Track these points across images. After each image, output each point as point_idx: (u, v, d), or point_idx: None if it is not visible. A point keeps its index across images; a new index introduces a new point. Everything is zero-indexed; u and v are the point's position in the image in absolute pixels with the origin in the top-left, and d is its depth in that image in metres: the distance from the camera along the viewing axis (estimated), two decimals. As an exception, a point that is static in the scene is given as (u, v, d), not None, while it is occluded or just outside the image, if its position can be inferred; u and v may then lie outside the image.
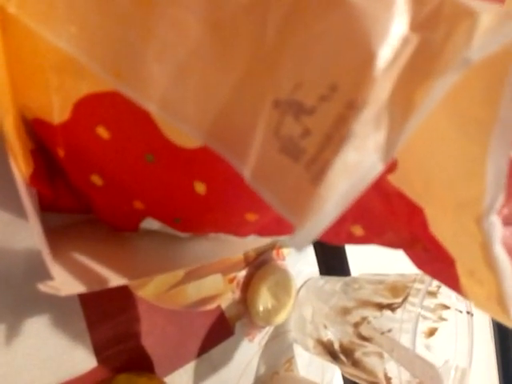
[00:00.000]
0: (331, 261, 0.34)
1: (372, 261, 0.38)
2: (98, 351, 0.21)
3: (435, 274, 0.16)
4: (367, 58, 0.09)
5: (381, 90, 0.09)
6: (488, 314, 0.14)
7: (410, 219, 0.15)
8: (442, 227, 0.13)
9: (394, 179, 0.14)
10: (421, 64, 0.09)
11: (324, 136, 0.10)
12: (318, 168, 0.10)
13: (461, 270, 0.14)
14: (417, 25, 0.09)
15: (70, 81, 0.13)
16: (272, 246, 0.30)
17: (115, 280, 0.15)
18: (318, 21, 0.09)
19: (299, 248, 0.10)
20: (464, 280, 0.14)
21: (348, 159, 0.09)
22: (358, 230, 0.16)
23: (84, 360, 0.20)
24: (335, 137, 0.09)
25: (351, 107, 0.09)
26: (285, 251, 0.31)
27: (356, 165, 0.10)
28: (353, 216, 0.15)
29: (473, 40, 0.08)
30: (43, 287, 0.14)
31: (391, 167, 0.14)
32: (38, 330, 0.19)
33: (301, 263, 0.32)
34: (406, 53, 0.09)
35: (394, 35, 0.09)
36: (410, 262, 0.17)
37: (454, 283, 0.15)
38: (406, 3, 0.09)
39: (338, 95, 0.09)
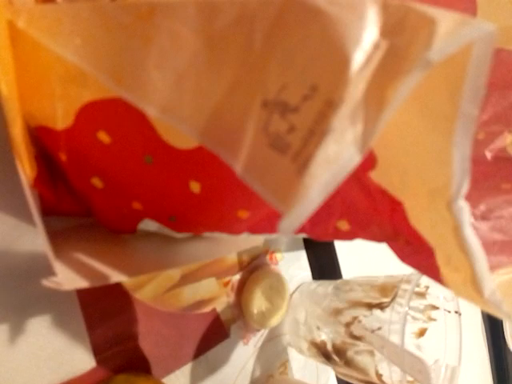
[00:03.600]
0: (323, 265, 0.35)
1: (362, 265, 0.39)
2: (97, 352, 0.21)
3: (418, 266, 0.17)
4: (343, 61, 0.10)
5: (355, 89, 0.10)
6: (467, 300, 0.15)
7: (392, 214, 0.16)
8: (420, 218, 0.14)
9: (375, 176, 0.15)
10: (390, 65, 0.10)
11: (307, 131, 0.11)
12: (302, 160, 0.11)
13: (440, 259, 0.15)
14: (385, 32, 0.10)
15: (74, 89, 0.14)
16: (265, 251, 0.31)
17: (115, 276, 0.16)
18: (299, 29, 0.11)
19: (287, 232, 0.11)
20: (443, 269, 0.16)
21: (329, 151, 0.11)
22: (344, 225, 0.17)
23: (83, 360, 0.21)
24: (317, 131, 0.11)
25: (330, 105, 0.10)
26: (278, 256, 0.32)
27: (336, 156, 0.11)
28: (339, 211, 0.17)
29: (433, 43, 0.09)
30: (46, 282, 0.14)
31: (372, 164, 0.15)
32: (38, 331, 0.19)
33: (294, 268, 0.33)
34: (377, 56, 0.10)
35: (366, 41, 0.10)
36: (396, 259, 0.18)
37: (435, 274, 0.16)
38: (376, 13, 0.10)
39: (318, 94, 0.10)
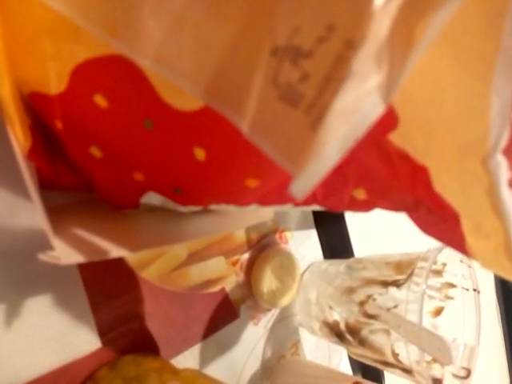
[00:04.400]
0: (335, 244, 0.34)
1: (375, 244, 0.38)
2: (102, 332, 0.21)
3: (440, 236, 0.16)
4: (364, -7, 0.09)
5: (380, 26, 0.09)
6: (496, 271, 0.13)
7: (414, 180, 0.15)
8: (446, 182, 0.13)
9: (395, 138, 0.14)
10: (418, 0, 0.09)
11: (323, 78, 0.09)
12: (317, 112, 0.10)
13: (466, 226, 0.14)
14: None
15: (65, 46, 0.13)
16: (275, 229, 0.30)
17: (115, 251, 0.15)
18: (313, -40, 0.09)
19: (299, 195, 0.10)
20: (470, 238, 0.14)
21: (347, 100, 0.09)
22: (360, 194, 0.16)
23: (88, 341, 0.20)
24: (334, 78, 0.09)
25: (350, 45, 0.09)
26: (288, 234, 0.31)
27: (356, 106, 0.09)
28: (355, 179, 0.15)
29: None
30: (43, 256, 0.14)
31: (392, 124, 0.13)
32: (41, 310, 0.19)
33: (304, 247, 0.32)
34: (404, -13, 0.09)
35: (390, -31, 0.09)
36: (409, 236, 0.17)
37: (459, 243, 0.15)
38: None
39: (336, 35, 0.09)
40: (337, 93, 0.09)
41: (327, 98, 0.09)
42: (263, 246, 0.29)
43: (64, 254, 0.14)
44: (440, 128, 0.12)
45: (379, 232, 0.38)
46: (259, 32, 0.10)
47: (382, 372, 0.37)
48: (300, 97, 0.10)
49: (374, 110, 0.09)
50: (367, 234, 0.37)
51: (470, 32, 0.09)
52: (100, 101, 0.14)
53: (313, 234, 0.33)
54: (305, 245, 0.32)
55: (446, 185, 0.13)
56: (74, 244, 0.15)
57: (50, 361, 0.19)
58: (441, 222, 0.15)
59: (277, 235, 0.30)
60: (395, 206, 0.16)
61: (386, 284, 0.25)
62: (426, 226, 0.16)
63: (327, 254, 0.34)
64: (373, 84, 0.09)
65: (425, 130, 0.12)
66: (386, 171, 0.15)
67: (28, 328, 0.18)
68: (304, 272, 0.32)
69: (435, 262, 0.28)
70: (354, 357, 0.29)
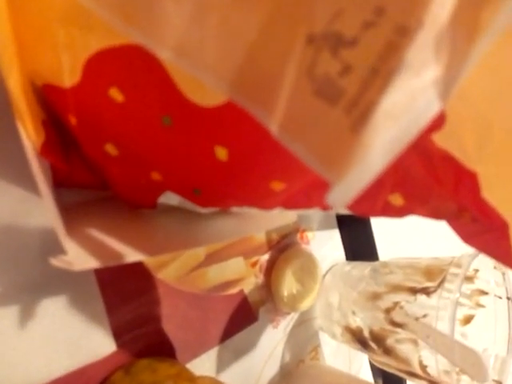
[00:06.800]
0: (358, 245, 0.32)
1: (401, 246, 0.36)
2: (118, 335, 0.20)
3: (484, 247, 0.14)
4: (423, -30, 0.07)
5: (440, 10, 0.07)
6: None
7: (458, 186, 0.13)
8: (498, 189, 0.12)
9: (440, 139, 0.12)
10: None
11: (369, 71, 0.08)
12: (360, 111, 0.08)
13: (517, 238, 0.12)
14: None
15: (79, 35, 0.12)
16: (296, 229, 0.29)
17: (132, 255, 0.14)
18: None
19: (338, 205, 0.09)
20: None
21: (398, 98, 0.08)
22: (397, 200, 0.14)
23: (103, 344, 0.19)
24: (383, 70, 0.08)
25: (403, 32, 0.08)
26: (309, 235, 0.30)
27: (408, 105, 0.08)
28: (392, 183, 0.14)
29: None
30: (55, 261, 0.13)
31: (438, 123, 0.12)
32: (55, 313, 0.18)
33: (326, 248, 0.31)
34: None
35: None
36: (438, 239, 0.16)
37: (505, 255, 0.14)
38: None
39: (385, 20, 0.08)
40: (385, 88, 0.08)
41: (373, 95, 0.08)
42: (284, 247, 0.27)
43: (77, 258, 0.13)
44: (500, 129, 0.10)
45: (405, 233, 0.36)
46: (293, 17, 0.09)
47: (405, 379, 0.35)
48: (340, 92, 0.09)
49: (429, 110, 0.08)
50: (392, 234, 0.35)
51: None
52: (115, 94, 0.13)
53: (335, 235, 0.32)
54: (327, 246, 0.31)
55: (497, 192, 0.12)
56: (88, 246, 0.14)
57: (64, 364, 0.18)
58: (485, 231, 0.14)
59: (298, 235, 0.29)
60: (435, 214, 0.14)
61: (414, 291, 0.24)
62: (469, 236, 0.15)
63: (350, 255, 0.32)
64: (429, 78, 0.08)
65: (479, 132, 0.11)
66: (426, 175, 0.14)
67: (42, 330, 0.18)
68: (326, 274, 0.31)
69: (468, 268, 0.26)
70: (377, 364, 0.28)
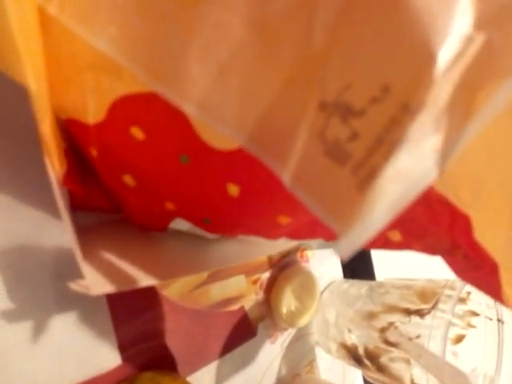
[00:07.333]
0: (356, 264, 0.33)
1: (398, 265, 0.37)
2: (123, 349, 0.21)
3: (475, 282, 0.15)
4: (427, 56, 0.08)
5: (441, 93, 0.08)
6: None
7: (452, 226, 0.14)
8: (490, 234, 0.13)
9: (437, 184, 0.13)
10: (484, 65, 0.08)
11: (374, 139, 0.09)
12: (365, 172, 0.09)
13: (505, 277, 0.13)
14: (481, 23, 0.08)
15: (106, 81, 0.13)
16: (296, 248, 0.30)
17: (145, 280, 0.15)
18: (370, 18, 0.09)
19: (344, 256, 0.10)
20: (507, 289, 0.14)
21: (400, 164, 0.09)
22: (395, 236, 0.15)
23: (108, 358, 0.20)
24: (386, 141, 0.09)
25: (406, 110, 0.09)
26: (309, 253, 0.31)
27: (409, 170, 0.09)
28: (391, 222, 0.15)
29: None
30: (74, 286, 0.14)
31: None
32: (65, 328, 0.19)
33: (325, 266, 0.32)
34: (469, 53, 0.08)
35: (456, 34, 0.08)
36: (433, 260, 0.17)
37: (494, 291, 0.15)
38: (470, 1, 0.08)
39: (391, 97, 0.09)
40: (389, 156, 0.09)
41: (377, 160, 0.09)
42: (284, 265, 0.28)
43: (94, 283, 0.14)
44: (491, 183, 0.11)
45: (402, 254, 0.37)
46: (308, 84, 0.10)
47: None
48: (347, 155, 0.10)
49: (428, 176, 0.09)
50: (389, 254, 0.36)
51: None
52: (137, 133, 0.14)
53: (334, 254, 0.33)
54: (326, 264, 0.32)
55: (488, 236, 0.13)
56: (103, 271, 0.15)
57: (71, 377, 0.19)
58: (477, 268, 0.15)
59: (298, 254, 0.30)
60: (431, 250, 0.15)
61: (409, 312, 0.25)
62: (460, 271, 0.16)
63: (347, 273, 0.33)
64: (428, 149, 0.09)
65: (473, 184, 0.12)
66: (423, 214, 0.15)
67: (53, 345, 0.18)
68: (323, 291, 0.31)
69: (462, 291, 0.28)
70: (371, 380, 0.29)
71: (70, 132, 0.15)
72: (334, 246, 0.10)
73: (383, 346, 0.26)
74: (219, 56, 0.10)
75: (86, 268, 0.15)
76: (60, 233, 0.18)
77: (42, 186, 0.18)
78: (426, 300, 0.25)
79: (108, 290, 0.14)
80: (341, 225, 0.10)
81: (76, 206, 0.17)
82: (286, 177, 0.11)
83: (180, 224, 0.18)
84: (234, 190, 0.14)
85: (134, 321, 0.21)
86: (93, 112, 0.14)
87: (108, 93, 0.13)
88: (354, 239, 0.10)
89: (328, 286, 0.32)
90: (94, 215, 0.19)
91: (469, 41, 0.08)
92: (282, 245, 0.22)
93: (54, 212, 0.18)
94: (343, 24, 0.09)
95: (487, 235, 0.13)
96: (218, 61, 0.10)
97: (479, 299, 0.29)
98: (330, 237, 0.17)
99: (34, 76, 0.11)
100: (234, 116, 0.11)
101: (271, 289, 0.27)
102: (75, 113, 0.14)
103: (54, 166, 0.14)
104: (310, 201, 0.10)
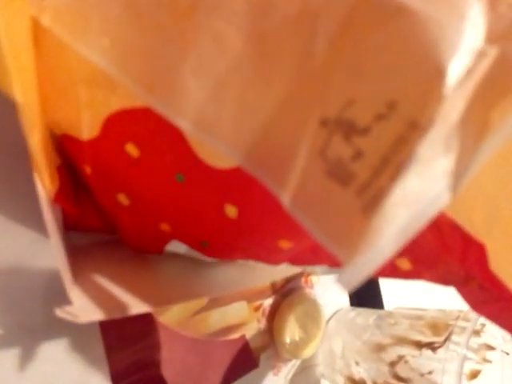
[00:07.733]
0: (363, 291, 0.32)
1: (407, 293, 0.35)
2: (116, 379, 0.20)
3: (494, 316, 0.14)
4: (435, 72, 0.08)
5: (451, 109, 0.08)
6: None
7: (465, 254, 0.13)
8: (508, 264, 0.12)
9: (449, 210, 0.13)
10: (498, 80, 0.08)
11: (380, 159, 0.08)
12: (371, 195, 0.09)
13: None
14: (493, 36, 0.08)
15: (100, 96, 0.12)
16: (300, 274, 0.28)
17: (137, 307, 0.14)
18: (375, 30, 0.08)
19: (348, 288, 0.09)
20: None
21: (409, 188, 0.08)
22: (404, 264, 0.14)
23: (100, 389, 0.19)
24: (393, 160, 0.08)
25: (414, 128, 0.08)
26: (314, 279, 0.29)
27: (418, 193, 0.08)
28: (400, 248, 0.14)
29: None
30: (61, 313, 0.13)
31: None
32: (55, 355, 0.18)
33: (330, 292, 0.30)
34: (482, 67, 0.08)
35: (467, 47, 0.08)
36: (444, 288, 0.16)
37: (513, 328, 0.13)
38: (481, 13, 0.08)
39: (397, 114, 0.08)
40: (396, 178, 0.08)
41: (384, 181, 0.08)
42: (288, 291, 0.27)
43: (83, 310, 0.13)
44: (507, 208, 0.10)
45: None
46: (308, 100, 0.09)
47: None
48: (351, 176, 0.09)
49: (439, 200, 0.08)
50: (399, 282, 0.35)
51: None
52: (131, 150, 0.13)
53: (337, 285, 0.31)
54: (331, 290, 0.31)
55: (507, 267, 0.12)
56: (94, 296, 0.14)
57: (60, 408, 0.18)
58: (494, 300, 0.14)
59: (302, 279, 0.29)
60: (442, 279, 0.14)
61: (420, 345, 0.23)
62: (477, 303, 0.14)
63: (354, 301, 0.32)
64: (439, 171, 0.08)
65: (487, 211, 0.11)
66: (433, 241, 0.14)
67: (42, 374, 0.17)
68: (329, 319, 0.30)
69: (476, 323, 0.26)
70: (380, 418, 0.27)
71: (65, 148, 0.15)
72: (338, 276, 0.09)
73: (393, 381, 0.24)
74: (215, 70, 0.10)
75: (75, 293, 0.14)
76: (51, 255, 0.18)
77: (37, 204, 0.17)
78: (437, 332, 0.23)
79: (97, 317, 0.14)
80: (345, 252, 0.09)
81: (69, 226, 0.17)
82: (285, 198, 0.10)
83: (177, 247, 0.17)
84: (231, 211, 0.13)
85: (128, 349, 0.20)
86: (87, 128, 0.13)
87: (102, 108, 0.13)
88: (360, 269, 0.09)
89: (334, 314, 0.30)
90: (87, 235, 0.18)
91: (481, 55, 0.08)
92: (285, 270, 0.21)
93: (46, 233, 0.18)
94: (346, 36, 0.09)
95: (504, 266, 0.12)
96: (214, 75, 0.10)
97: (494, 332, 0.27)
98: (334, 263, 0.16)
99: (22, 89, 0.11)
100: (230, 133, 0.10)
101: (274, 316, 0.26)
102: (69, 128, 0.14)
103: (45, 183, 0.14)
104: (311, 225, 0.10)
